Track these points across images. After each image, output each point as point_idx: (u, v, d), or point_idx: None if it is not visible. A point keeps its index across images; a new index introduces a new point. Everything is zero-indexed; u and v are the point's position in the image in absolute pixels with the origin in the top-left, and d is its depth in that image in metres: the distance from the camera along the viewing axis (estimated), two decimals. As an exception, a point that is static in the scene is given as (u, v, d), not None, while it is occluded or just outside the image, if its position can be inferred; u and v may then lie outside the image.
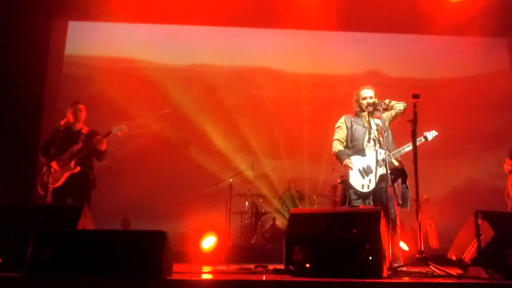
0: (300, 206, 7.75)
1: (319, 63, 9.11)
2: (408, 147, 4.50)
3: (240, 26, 9.14)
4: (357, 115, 4.91)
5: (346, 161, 4.68)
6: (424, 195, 7.48)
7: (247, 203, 7.95)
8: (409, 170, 4.33)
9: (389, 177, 4.35)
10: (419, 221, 3.95)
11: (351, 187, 4.62)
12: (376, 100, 4.75)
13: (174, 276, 3.07)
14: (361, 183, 4.60)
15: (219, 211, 7.66)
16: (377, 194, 4.57)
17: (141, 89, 8.75)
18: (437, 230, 7.51)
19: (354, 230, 3.34)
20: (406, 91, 4.32)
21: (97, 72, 8.85)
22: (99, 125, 5.87)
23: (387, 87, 8.49)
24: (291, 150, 8.63)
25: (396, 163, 4.61)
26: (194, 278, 2.92)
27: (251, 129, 8.75)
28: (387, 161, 4.44)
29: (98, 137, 5.44)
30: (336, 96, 8.08)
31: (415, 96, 4.16)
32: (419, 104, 4.16)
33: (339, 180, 4.83)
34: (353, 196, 4.60)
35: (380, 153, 4.57)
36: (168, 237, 2.99)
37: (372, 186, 4.57)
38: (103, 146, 5.47)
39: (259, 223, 7.55)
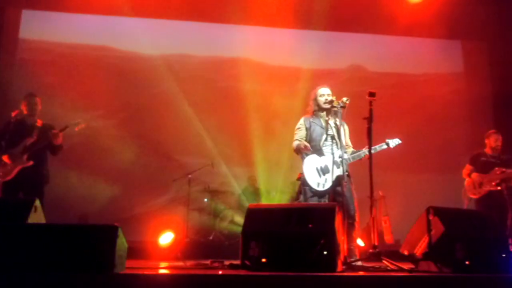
0: (258, 202, 7.77)
1: (300, 58, 9.18)
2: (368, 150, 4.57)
3: (213, 22, 9.13)
4: (315, 115, 4.96)
5: (300, 144, 4.74)
6: (380, 192, 7.64)
7: (206, 200, 7.90)
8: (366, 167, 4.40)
9: (345, 174, 4.44)
10: (373, 217, 4.05)
11: (307, 184, 4.67)
12: (334, 98, 4.81)
13: (127, 271, 3.01)
14: (317, 181, 4.65)
15: (178, 207, 7.60)
16: (335, 192, 4.63)
17: (108, 79, 8.51)
18: (392, 226, 7.70)
19: (310, 225, 3.37)
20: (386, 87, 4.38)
21: (56, 59, 8.55)
22: (55, 116, 5.71)
23: (369, 82, 8.84)
24: (252, 146, 8.59)
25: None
26: (147, 273, 2.87)
27: (215, 123, 8.67)
28: (343, 159, 4.53)
29: (54, 131, 5.29)
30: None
31: (371, 95, 4.25)
32: (375, 102, 4.25)
33: (297, 177, 4.88)
34: (309, 194, 4.66)
35: (339, 154, 4.63)
36: (121, 232, 2.92)
37: (328, 185, 4.62)
38: (58, 140, 5.31)
39: (217, 219, 7.52)
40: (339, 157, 4.59)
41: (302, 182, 4.75)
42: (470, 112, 9.25)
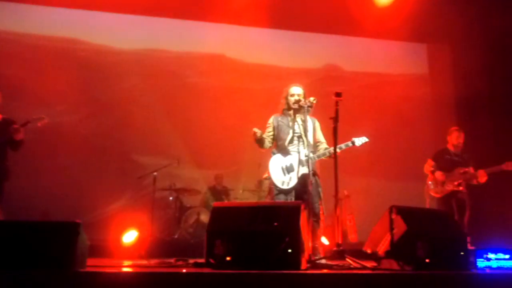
0: (225, 201, 7.75)
1: (276, 56, 9.26)
2: (337, 149, 4.62)
3: (189, 19, 9.08)
4: (284, 113, 4.98)
5: (255, 129, 4.77)
6: (345, 192, 7.72)
7: (171, 198, 7.82)
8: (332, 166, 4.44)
9: (310, 173, 4.48)
10: (337, 215, 4.09)
11: (273, 183, 4.72)
12: (302, 98, 4.84)
13: (88, 269, 2.94)
14: (281, 180, 4.70)
15: (142, 205, 7.47)
16: (300, 190, 4.66)
17: (75, 72, 8.28)
18: (357, 225, 7.80)
19: (275, 224, 3.38)
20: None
21: (20, 50, 8.28)
22: (17, 111, 5.53)
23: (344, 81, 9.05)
24: (220, 144, 8.52)
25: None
26: (108, 271, 2.81)
27: (184, 120, 8.59)
28: (309, 158, 4.57)
29: (15, 126, 5.11)
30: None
31: (338, 95, 4.30)
32: (342, 102, 4.30)
33: (264, 176, 4.92)
34: (275, 192, 4.71)
35: (305, 153, 4.67)
36: (81, 229, 2.85)
37: (292, 183, 4.67)
38: (19, 136, 5.14)
39: (183, 217, 7.46)
40: (305, 156, 4.64)
41: (269, 181, 4.79)
42: (433, 113, 9.47)
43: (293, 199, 4.64)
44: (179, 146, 8.35)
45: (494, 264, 3.66)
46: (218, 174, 8.28)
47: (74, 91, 8.16)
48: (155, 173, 7.43)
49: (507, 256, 3.69)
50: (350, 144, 4.78)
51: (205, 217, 7.39)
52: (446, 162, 6.15)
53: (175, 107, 8.67)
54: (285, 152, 4.79)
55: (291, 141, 4.80)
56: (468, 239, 3.84)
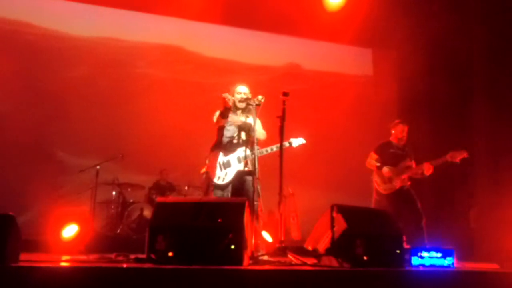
0: (170, 196, 7.65)
1: (236, 52, 9.27)
2: (276, 148, 4.70)
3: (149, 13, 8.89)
4: (231, 111, 5.01)
5: (225, 95, 4.84)
6: (290, 189, 7.82)
7: (114, 193, 7.64)
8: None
9: (246, 170, 4.71)
10: (281, 213, 4.15)
11: (210, 178, 4.84)
12: (249, 96, 4.89)
13: (22, 264, 2.82)
14: (217, 175, 4.84)
15: (83, 199, 7.25)
16: (237, 186, 4.81)
17: (17, 57, 7.90)
18: (300, 223, 7.93)
19: (219, 220, 3.38)
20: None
21: None
22: None
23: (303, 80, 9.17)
24: (166, 138, 8.37)
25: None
26: (44, 266, 2.70)
27: (129, 111, 8.37)
28: (246, 155, 4.76)
29: None
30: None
31: (285, 94, 4.38)
32: (288, 102, 4.37)
33: (201, 170, 5.00)
34: (211, 187, 4.84)
35: (244, 150, 4.81)
36: (15, 222, 2.73)
37: (228, 179, 4.80)
38: None
39: (126, 213, 7.32)
40: (244, 153, 4.78)
41: (207, 175, 4.92)
42: (378, 114, 9.77)
43: (229, 195, 4.78)
44: (124, 139, 8.13)
45: (427, 262, 3.82)
46: (163, 170, 8.16)
47: (13, 77, 7.78)
48: (97, 167, 7.24)
49: (439, 255, 3.86)
50: (287, 144, 4.82)
51: (148, 213, 7.27)
52: (390, 156, 5.91)
53: (123, 98, 8.45)
54: (225, 149, 4.89)
55: (233, 139, 4.88)
56: (404, 238, 3.98)
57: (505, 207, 6.23)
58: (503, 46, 7.39)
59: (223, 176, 4.82)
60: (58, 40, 8.42)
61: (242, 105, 4.91)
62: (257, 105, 4.77)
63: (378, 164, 5.92)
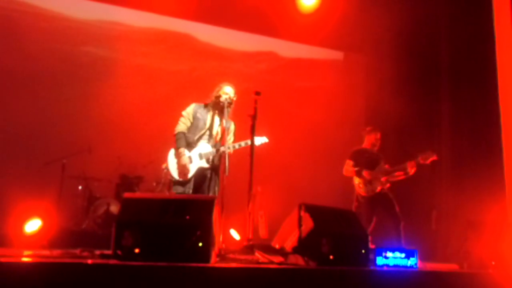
0: (137, 192, 7.55)
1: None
2: (238, 146, 4.85)
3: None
4: (206, 107, 5.01)
5: (180, 150, 4.85)
6: (258, 188, 7.84)
7: (80, 187, 7.50)
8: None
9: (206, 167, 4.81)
10: (249, 211, 4.17)
11: (170, 174, 4.88)
12: (234, 99, 4.97)
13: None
14: (178, 171, 4.87)
15: (48, 193, 7.07)
16: (199, 183, 4.87)
17: None
18: (268, 222, 7.96)
19: (187, 217, 3.37)
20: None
21: None
22: None
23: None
24: (134, 131, 8.14)
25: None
26: (3, 261, 2.62)
27: (97, 98, 8.09)
28: (207, 153, 4.86)
29: None
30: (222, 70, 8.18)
31: (257, 93, 4.42)
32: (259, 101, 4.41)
33: (162, 166, 5.05)
34: (172, 183, 4.89)
35: (206, 147, 4.89)
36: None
37: (189, 175, 4.83)
38: None
39: (92, 208, 7.19)
40: (206, 150, 4.85)
41: (167, 171, 5.00)
42: (347, 119, 9.91)
43: (190, 192, 4.81)
44: (90, 131, 7.96)
45: (391, 262, 3.91)
46: (132, 165, 8.03)
47: None
48: (64, 160, 7.10)
49: (403, 255, 3.95)
50: (249, 142, 4.83)
51: (115, 208, 7.17)
52: (366, 161, 6.04)
53: (91, 83, 8.17)
54: (189, 145, 4.89)
55: (201, 136, 4.88)
56: (370, 238, 4.07)
57: (465, 210, 6.44)
58: (466, 55, 7.60)
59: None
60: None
61: (224, 104, 4.90)
62: (229, 103, 4.82)
63: (357, 168, 6.03)
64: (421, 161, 5.80)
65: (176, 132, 4.96)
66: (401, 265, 3.91)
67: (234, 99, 4.92)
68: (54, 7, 8.40)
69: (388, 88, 8.42)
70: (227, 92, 4.96)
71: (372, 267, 3.79)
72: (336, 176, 6.67)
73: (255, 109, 4.45)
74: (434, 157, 5.82)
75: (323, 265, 3.43)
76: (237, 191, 4.82)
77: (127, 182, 7.83)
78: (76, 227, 7.14)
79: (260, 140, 4.96)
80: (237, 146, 4.82)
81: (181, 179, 4.80)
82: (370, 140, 6.20)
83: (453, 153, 7.67)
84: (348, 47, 9.94)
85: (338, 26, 8.70)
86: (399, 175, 5.96)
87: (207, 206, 3.46)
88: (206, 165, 4.83)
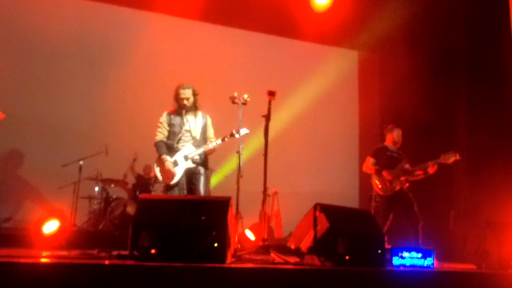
0: (153, 193, 7.60)
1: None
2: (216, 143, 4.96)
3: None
4: (176, 111, 5.14)
5: (163, 157, 4.98)
6: (273, 188, 7.85)
7: (97, 188, 7.57)
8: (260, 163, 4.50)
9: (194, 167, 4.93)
10: (264, 211, 4.17)
11: (159, 178, 5.03)
12: (192, 97, 5.04)
13: (1, 260, 2.79)
14: (165, 176, 4.98)
15: (66, 194, 7.17)
16: (190, 183, 4.98)
17: None
18: (283, 222, 7.96)
19: (203, 218, 3.38)
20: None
21: None
22: None
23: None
24: (151, 132, 8.13)
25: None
26: (24, 261, 2.67)
27: (114, 100, 8.16)
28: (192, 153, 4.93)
29: None
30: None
31: (271, 94, 4.41)
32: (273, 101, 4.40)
33: (151, 174, 5.15)
34: (166, 187, 5.02)
35: (188, 148, 4.97)
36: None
37: (177, 178, 4.93)
38: None
39: (109, 208, 7.24)
40: (190, 150, 4.94)
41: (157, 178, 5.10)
42: (361, 119, 9.86)
43: (185, 192, 4.93)
44: (107, 133, 8.04)
45: (408, 262, 3.88)
46: (147, 165, 8.09)
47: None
48: (81, 162, 7.19)
49: (419, 255, 3.92)
50: (229, 136, 4.98)
51: (131, 209, 7.22)
52: (387, 159, 5.97)
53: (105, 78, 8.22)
54: (171, 149, 5.00)
55: (180, 139, 4.95)
56: (386, 238, 4.04)
57: (484, 210, 6.35)
58: (483, 51, 7.49)
59: (171, 176, 4.96)
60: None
61: (187, 104, 5.02)
62: (242, 103, 4.81)
63: (377, 167, 5.97)
64: (443, 161, 5.71)
65: (156, 141, 5.11)
66: (417, 265, 3.88)
67: (194, 95, 4.99)
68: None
69: (404, 86, 8.35)
70: (181, 93, 5.05)
71: (389, 267, 3.76)
72: (351, 175, 6.63)
73: (269, 109, 4.44)
74: (457, 157, 5.69)
75: (339, 266, 3.41)
76: (251, 191, 4.84)
77: (142, 182, 7.89)
78: (93, 228, 7.21)
79: (243, 131, 4.99)
80: (220, 141, 4.93)
81: (170, 183, 4.94)
82: (391, 138, 6.13)
83: (471, 152, 7.55)
84: (362, 46, 9.87)
85: (351, 24, 8.65)
86: (419, 175, 5.87)
87: (222, 206, 3.48)
88: (192, 165, 4.95)
